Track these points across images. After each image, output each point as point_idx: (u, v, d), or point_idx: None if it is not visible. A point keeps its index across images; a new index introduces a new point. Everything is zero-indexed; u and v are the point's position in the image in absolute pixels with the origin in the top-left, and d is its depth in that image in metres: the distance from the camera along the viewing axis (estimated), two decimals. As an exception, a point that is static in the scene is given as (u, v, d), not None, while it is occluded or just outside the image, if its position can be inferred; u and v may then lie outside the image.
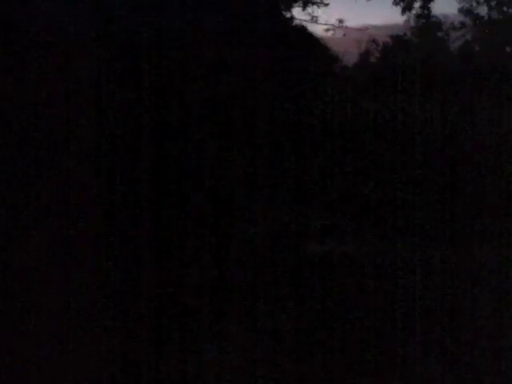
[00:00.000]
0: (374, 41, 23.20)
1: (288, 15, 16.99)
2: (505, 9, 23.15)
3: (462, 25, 23.57)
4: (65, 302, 2.00)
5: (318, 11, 23.02)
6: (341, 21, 17.99)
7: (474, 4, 23.15)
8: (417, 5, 15.13)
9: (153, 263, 4.18)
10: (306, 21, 17.63)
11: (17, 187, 1.77)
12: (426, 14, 15.71)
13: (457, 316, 4.20)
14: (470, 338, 4.09)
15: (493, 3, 22.83)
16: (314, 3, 16.35)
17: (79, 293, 2.13)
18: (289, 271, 5.03)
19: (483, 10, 23.79)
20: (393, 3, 15.40)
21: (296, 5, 16.32)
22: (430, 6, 14.81)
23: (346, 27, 17.77)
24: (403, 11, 15.85)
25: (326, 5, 16.68)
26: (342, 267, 4.98)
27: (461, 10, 23.83)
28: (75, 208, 1.90)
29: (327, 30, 17.97)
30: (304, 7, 16.79)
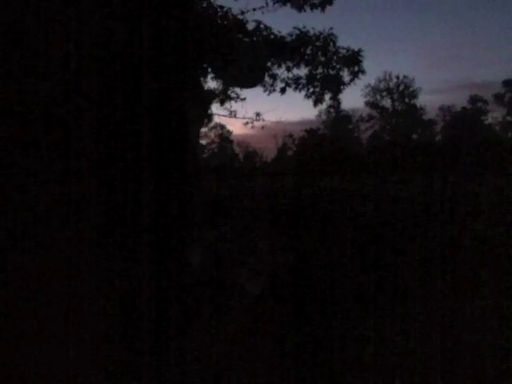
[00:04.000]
0: (290, 135, 24.66)
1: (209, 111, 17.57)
2: (406, 100, 25.49)
3: (370, 117, 25.62)
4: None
5: (235, 106, 24.02)
6: (258, 114, 18.75)
7: (379, 97, 25.40)
8: (327, 97, 15.85)
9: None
10: (225, 116, 18.29)
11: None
12: (336, 105, 16.61)
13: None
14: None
15: (395, 96, 25.11)
16: (231, 98, 17.01)
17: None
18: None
19: (387, 103, 26.05)
20: (305, 96, 16.07)
21: (214, 101, 16.94)
22: (338, 98, 15.65)
23: (264, 120, 18.49)
24: (315, 104, 16.54)
25: (243, 99, 17.41)
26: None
27: (367, 103, 26.03)
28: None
29: (246, 123, 18.73)
30: (222, 103, 17.43)
